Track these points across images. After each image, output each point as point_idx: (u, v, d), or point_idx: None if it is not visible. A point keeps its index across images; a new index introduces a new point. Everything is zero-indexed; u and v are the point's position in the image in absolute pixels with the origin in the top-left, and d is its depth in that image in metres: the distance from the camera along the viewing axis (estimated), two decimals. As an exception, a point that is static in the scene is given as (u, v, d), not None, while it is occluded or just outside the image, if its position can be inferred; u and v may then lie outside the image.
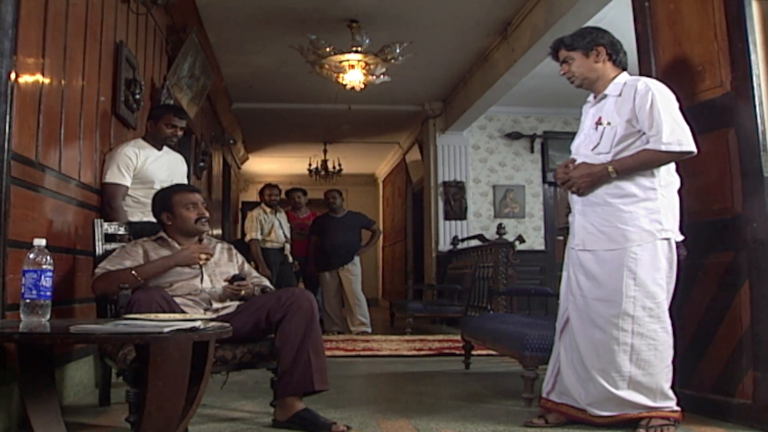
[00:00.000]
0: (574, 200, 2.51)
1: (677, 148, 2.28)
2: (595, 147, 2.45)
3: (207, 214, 2.72)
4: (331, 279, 6.47)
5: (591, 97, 2.59)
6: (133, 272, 2.45)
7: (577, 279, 2.43)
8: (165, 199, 2.72)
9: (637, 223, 2.32)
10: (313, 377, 2.38)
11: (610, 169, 2.35)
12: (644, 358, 2.29)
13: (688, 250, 2.66)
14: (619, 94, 2.44)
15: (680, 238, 2.40)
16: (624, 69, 2.53)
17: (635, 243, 2.31)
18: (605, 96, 2.49)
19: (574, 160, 2.49)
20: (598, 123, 2.47)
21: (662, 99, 2.33)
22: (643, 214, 2.32)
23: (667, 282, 2.37)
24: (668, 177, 2.39)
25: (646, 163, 2.33)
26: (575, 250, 2.47)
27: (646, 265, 2.30)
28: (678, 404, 2.35)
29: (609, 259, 2.34)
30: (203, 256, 2.55)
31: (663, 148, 2.28)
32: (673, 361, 2.35)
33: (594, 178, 2.38)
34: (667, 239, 2.34)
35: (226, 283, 2.62)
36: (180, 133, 3.46)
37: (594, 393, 2.34)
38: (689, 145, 2.29)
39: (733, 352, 2.47)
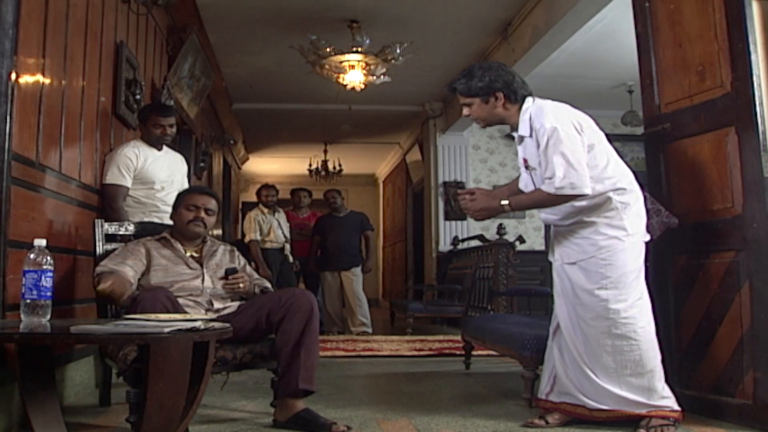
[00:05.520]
0: (548, 217, 2.54)
1: (569, 192, 2.29)
2: (534, 191, 2.48)
3: (206, 219, 2.70)
4: (332, 279, 6.47)
5: (516, 133, 2.55)
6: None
7: (562, 287, 2.51)
8: (179, 197, 2.77)
9: (602, 231, 2.37)
10: (299, 376, 2.38)
11: (506, 206, 2.41)
12: (630, 358, 2.32)
13: (688, 251, 2.67)
14: (531, 134, 2.44)
15: (647, 238, 2.44)
16: (526, 96, 2.49)
17: (605, 250, 2.35)
18: (523, 137, 2.49)
19: (473, 191, 2.51)
20: (526, 165, 2.51)
21: (556, 141, 2.30)
22: (606, 222, 2.37)
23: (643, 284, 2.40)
24: (625, 188, 2.40)
25: (540, 202, 2.38)
26: (556, 264, 2.53)
27: (617, 269, 2.34)
28: (678, 404, 2.35)
29: (583, 267, 2.39)
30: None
31: (554, 191, 2.30)
32: (663, 360, 2.37)
33: (492, 212, 2.46)
34: (635, 242, 2.38)
35: (222, 282, 2.61)
36: (170, 130, 3.40)
37: (590, 388, 2.37)
38: (582, 188, 2.29)
39: (733, 352, 2.47)
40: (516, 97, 2.48)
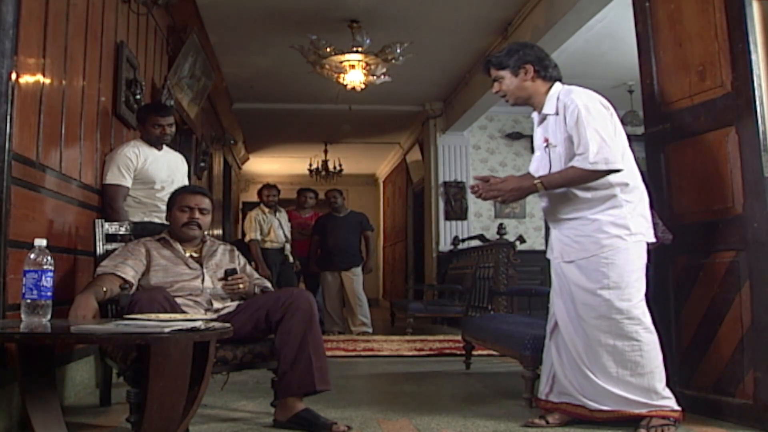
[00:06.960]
0: (548, 215, 2.55)
1: (604, 167, 2.30)
2: (549, 170, 2.49)
3: (200, 220, 2.68)
4: (332, 279, 6.47)
5: (535, 114, 2.60)
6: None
7: (560, 286, 2.50)
8: (171, 198, 2.75)
9: (605, 229, 2.36)
10: (314, 377, 2.38)
11: (539, 185, 2.40)
12: (630, 359, 2.31)
13: (689, 250, 2.67)
14: (557, 113, 2.46)
15: (652, 239, 2.43)
16: (557, 80, 2.53)
17: (607, 248, 2.35)
18: (547, 116, 2.51)
19: (487, 178, 2.50)
20: (546, 145, 2.51)
21: (588, 116, 2.33)
22: (610, 220, 2.37)
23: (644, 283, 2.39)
24: (629, 183, 2.40)
25: (573, 179, 2.36)
26: (555, 262, 2.53)
27: (619, 268, 2.33)
28: (678, 404, 2.35)
29: (585, 266, 2.39)
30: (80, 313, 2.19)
31: (589, 167, 2.30)
32: (664, 360, 2.36)
33: (523, 192, 2.46)
34: (638, 242, 2.38)
35: (222, 282, 2.61)
36: (170, 130, 3.40)
37: (590, 389, 2.37)
38: (615, 164, 2.30)
39: (733, 352, 2.47)
40: (546, 74, 2.51)
